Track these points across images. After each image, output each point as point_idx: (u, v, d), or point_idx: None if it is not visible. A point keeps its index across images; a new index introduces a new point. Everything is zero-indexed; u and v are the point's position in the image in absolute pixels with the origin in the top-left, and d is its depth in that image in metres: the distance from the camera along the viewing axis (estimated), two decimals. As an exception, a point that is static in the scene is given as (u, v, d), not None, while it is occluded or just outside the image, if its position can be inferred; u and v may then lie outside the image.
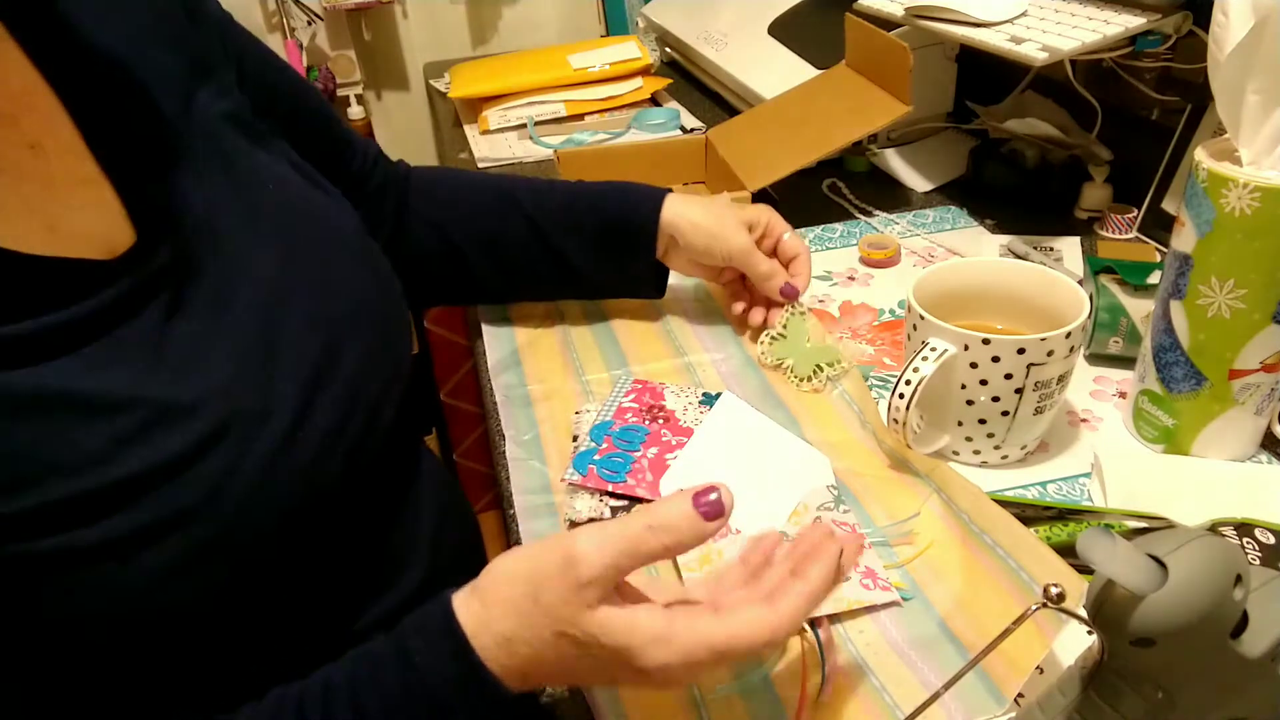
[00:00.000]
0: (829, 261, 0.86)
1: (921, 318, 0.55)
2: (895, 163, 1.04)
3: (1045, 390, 0.54)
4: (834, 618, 0.49)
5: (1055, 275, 0.58)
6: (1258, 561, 0.49)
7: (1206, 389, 0.55)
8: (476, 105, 1.26)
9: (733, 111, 1.18)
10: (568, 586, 0.36)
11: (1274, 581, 0.34)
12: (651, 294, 0.76)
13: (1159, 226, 0.84)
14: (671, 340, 0.75)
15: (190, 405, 0.41)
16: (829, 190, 1.01)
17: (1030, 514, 0.53)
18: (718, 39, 1.24)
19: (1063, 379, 0.55)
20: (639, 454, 0.61)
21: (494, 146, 1.18)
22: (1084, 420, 0.63)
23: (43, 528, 0.36)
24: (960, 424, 0.57)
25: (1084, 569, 0.46)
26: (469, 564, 0.62)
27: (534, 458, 0.63)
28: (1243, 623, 0.33)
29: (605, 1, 1.67)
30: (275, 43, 1.57)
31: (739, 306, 0.75)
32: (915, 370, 0.53)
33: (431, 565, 0.56)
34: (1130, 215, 0.86)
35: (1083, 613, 0.35)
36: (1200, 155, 0.52)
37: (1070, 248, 0.84)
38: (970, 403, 0.55)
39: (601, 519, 0.57)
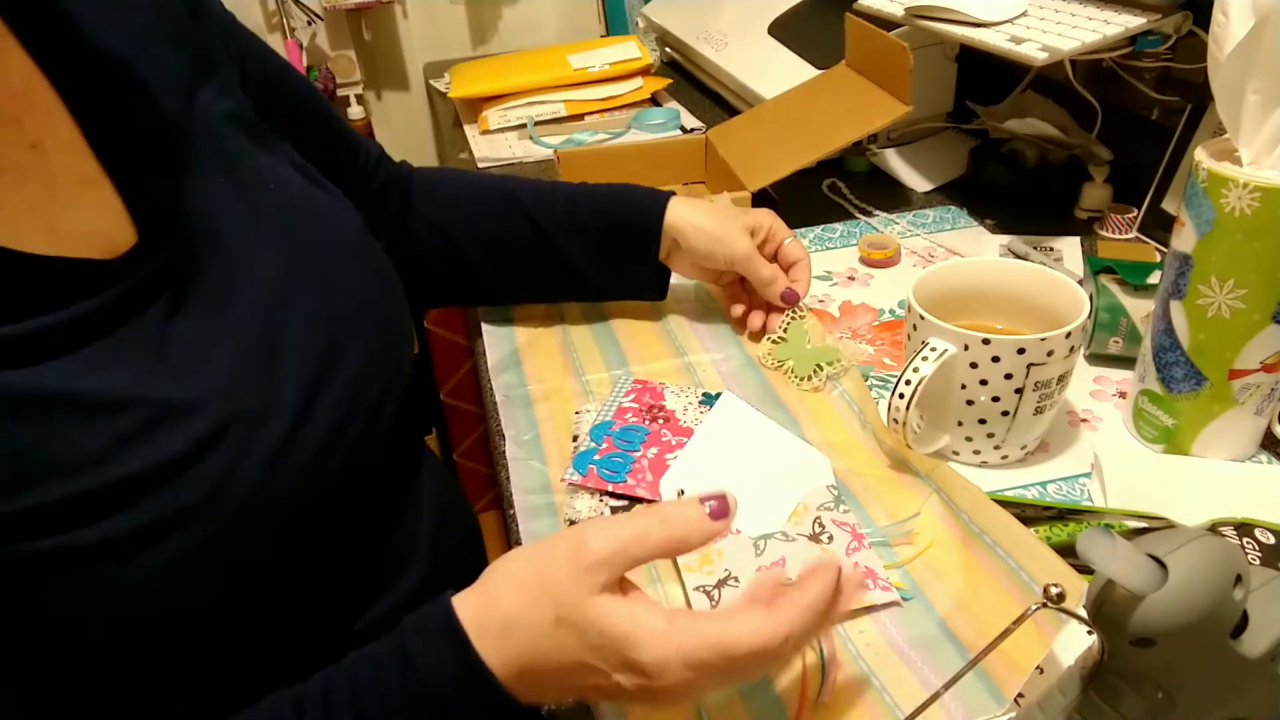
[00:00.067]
0: (829, 261, 0.86)
1: (921, 318, 0.55)
2: (895, 163, 1.04)
3: (1045, 390, 0.54)
4: (834, 618, 0.49)
5: (1055, 275, 0.58)
6: (1258, 561, 0.49)
7: (1206, 389, 0.55)
8: (476, 105, 1.26)
9: (733, 111, 1.18)
10: (576, 566, 0.37)
11: (1274, 581, 0.34)
12: (653, 296, 0.76)
13: (1159, 226, 0.85)
14: (671, 340, 0.75)
15: (191, 405, 0.41)
16: (829, 190, 1.01)
17: (1030, 514, 0.53)
18: (718, 39, 1.24)
19: (1063, 379, 0.55)
20: (639, 454, 0.61)
21: (494, 146, 1.18)
22: (1084, 420, 0.63)
23: (43, 528, 0.36)
24: (960, 424, 0.57)
25: (1084, 569, 0.46)
26: (469, 564, 0.62)
27: (534, 458, 0.63)
28: (1243, 623, 0.33)
29: (605, 1, 1.67)
30: (275, 42, 1.57)
31: (738, 309, 0.75)
32: (915, 370, 0.53)
33: (431, 565, 0.56)
34: (1130, 215, 0.86)
35: (1083, 613, 0.35)
36: (1200, 155, 0.52)
37: (1070, 248, 0.84)
38: (970, 403, 0.55)
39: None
